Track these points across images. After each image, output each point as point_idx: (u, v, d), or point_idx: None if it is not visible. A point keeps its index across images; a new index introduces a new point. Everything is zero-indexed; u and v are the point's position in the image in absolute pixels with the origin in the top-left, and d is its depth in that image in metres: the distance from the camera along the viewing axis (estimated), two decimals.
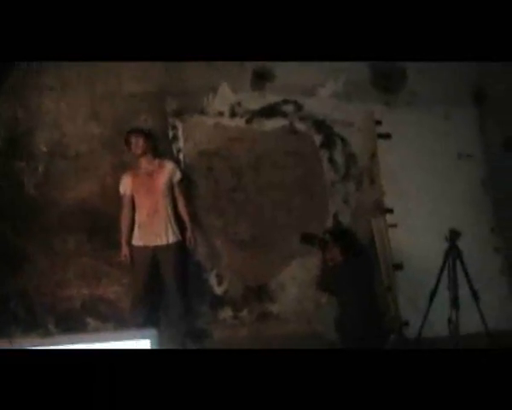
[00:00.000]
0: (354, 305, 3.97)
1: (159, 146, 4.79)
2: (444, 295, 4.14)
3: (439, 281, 4.18)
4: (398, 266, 4.96)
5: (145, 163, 4.55)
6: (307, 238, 4.32)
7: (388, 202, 5.08)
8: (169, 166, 4.60)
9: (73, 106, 4.83)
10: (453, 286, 4.08)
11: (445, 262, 4.15)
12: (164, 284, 4.60)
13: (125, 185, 4.58)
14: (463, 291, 4.11)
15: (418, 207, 5.02)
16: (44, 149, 4.79)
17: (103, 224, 4.84)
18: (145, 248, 4.51)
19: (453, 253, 4.12)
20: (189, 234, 4.60)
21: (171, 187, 4.59)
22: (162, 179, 4.54)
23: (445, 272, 4.15)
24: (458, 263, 4.11)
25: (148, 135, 4.60)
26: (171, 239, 4.55)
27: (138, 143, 4.49)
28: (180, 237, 4.60)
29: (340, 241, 4.09)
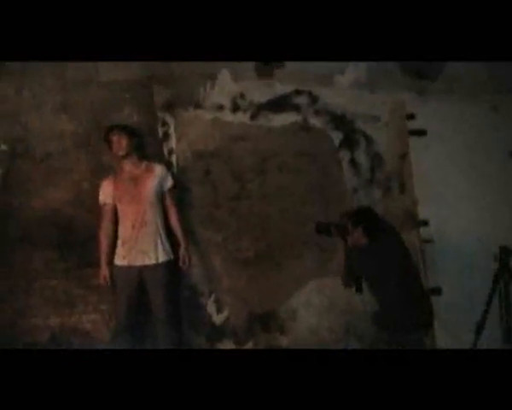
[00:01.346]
0: (391, 291, 3.68)
1: (146, 146, 4.52)
2: (493, 326, 3.94)
3: (487, 310, 3.93)
4: (436, 291, 4.59)
5: (129, 166, 4.29)
6: (323, 228, 4.04)
7: (423, 212, 4.72)
8: (158, 170, 4.34)
9: (39, 94, 4.47)
10: (506, 316, 3.92)
11: (494, 287, 3.95)
12: (151, 312, 4.36)
13: (106, 193, 4.31)
14: None
15: (459, 218, 4.66)
16: (4, 147, 4.44)
17: (78, 239, 4.49)
18: (129, 268, 4.23)
19: (504, 275, 3.92)
20: (182, 251, 4.35)
21: (160, 195, 4.33)
22: (150, 186, 4.27)
23: (495, 299, 3.95)
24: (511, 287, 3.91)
25: (132, 133, 4.33)
26: (161, 258, 4.28)
27: (121, 143, 4.23)
28: (172, 256, 4.34)
29: (360, 222, 3.79)
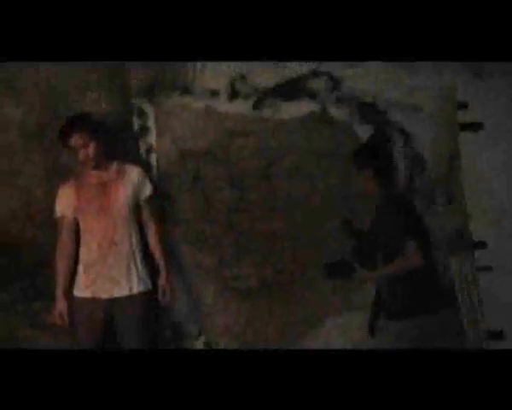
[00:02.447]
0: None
1: (118, 142, 4.03)
2: None
3: None
4: (497, 335, 4.11)
5: (96, 169, 3.86)
6: (338, 268, 3.59)
7: (478, 231, 4.20)
8: (133, 173, 3.91)
9: None
10: None
11: None
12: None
13: (64, 203, 3.86)
14: None
15: None
16: None
17: (26, 262, 4.04)
18: (94, 301, 3.79)
19: None
20: (162, 280, 3.92)
21: (136, 206, 3.89)
22: (122, 194, 3.84)
23: None
24: None
25: (100, 131, 3.86)
26: (136, 288, 3.83)
27: (88, 151, 3.76)
28: (150, 285, 3.89)
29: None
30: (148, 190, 3.88)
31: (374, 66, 4.19)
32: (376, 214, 3.56)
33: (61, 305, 3.77)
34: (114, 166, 3.83)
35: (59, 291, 3.78)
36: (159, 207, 4.03)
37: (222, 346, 4.19)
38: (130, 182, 3.83)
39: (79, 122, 3.78)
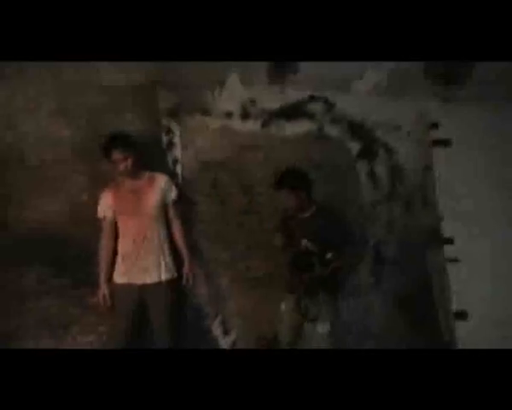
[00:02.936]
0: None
1: (149, 155, 4.35)
2: None
3: None
4: (461, 315, 4.53)
5: (131, 178, 4.19)
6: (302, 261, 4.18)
7: (448, 229, 4.63)
8: (161, 181, 4.25)
9: (34, 99, 4.34)
10: None
11: None
12: (153, 334, 4.20)
13: (105, 205, 4.18)
14: None
15: (487, 236, 4.55)
16: None
17: (75, 254, 4.31)
18: (130, 286, 4.09)
19: None
20: (186, 269, 4.24)
21: (164, 208, 4.24)
22: (152, 198, 4.17)
23: None
24: None
25: (137, 147, 4.19)
26: (164, 276, 4.15)
27: (127, 163, 4.12)
28: (175, 274, 4.21)
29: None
30: (173, 194, 4.20)
31: (362, 92, 4.64)
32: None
33: (103, 290, 4.11)
34: (146, 175, 4.16)
35: (102, 278, 4.11)
36: (183, 209, 4.32)
37: (236, 325, 4.51)
38: (159, 188, 4.15)
39: (119, 140, 4.10)
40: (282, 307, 4.27)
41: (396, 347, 4.55)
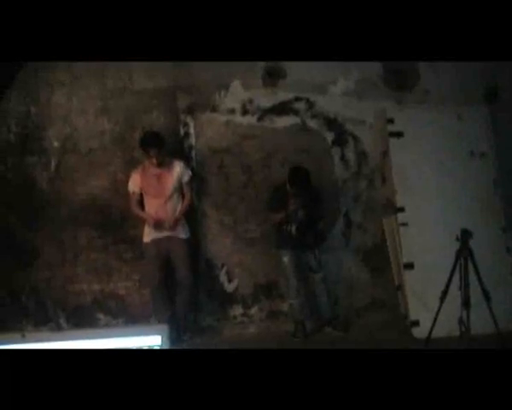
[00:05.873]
0: None
1: (169, 144, 4.80)
2: (455, 295, 4.07)
3: (450, 281, 4.13)
4: (409, 266, 4.92)
5: (155, 164, 4.56)
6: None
7: (400, 200, 5.01)
8: (178, 167, 4.64)
9: (84, 101, 4.89)
10: (464, 286, 4.04)
11: (456, 262, 4.10)
12: (176, 279, 4.69)
13: (134, 183, 4.62)
14: (475, 291, 4.04)
15: (430, 206, 4.97)
16: (56, 144, 4.87)
17: (114, 219, 4.93)
18: (155, 243, 4.59)
19: (464, 253, 4.07)
20: (185, 203, 4.66)
21: (180, 187, 4.66)
22: (170, 182, 4.59)
23: (457, 272, 4.09)
24: (470, 263, 4.05)
25: (164, 143, 4.58)
26: (182, 235, 4.63)
27: (158, 156, 4.48)
28: (189, 234, 4.67)
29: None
30: (187, 176, 4.64)
31: (335, 94, 5.12)
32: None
33: (150, 218, 4.53)
34: (167, 161, 4.55)
35: (146, 215, 4.56)
36: (196, 185, 4.90)
37: (237, 274, 4.95)
38: (176, 172, 4.58)
39: (156, 140, 4.46)
40: (284, 260, 4.75)
41: (359, 290, 5.05)
